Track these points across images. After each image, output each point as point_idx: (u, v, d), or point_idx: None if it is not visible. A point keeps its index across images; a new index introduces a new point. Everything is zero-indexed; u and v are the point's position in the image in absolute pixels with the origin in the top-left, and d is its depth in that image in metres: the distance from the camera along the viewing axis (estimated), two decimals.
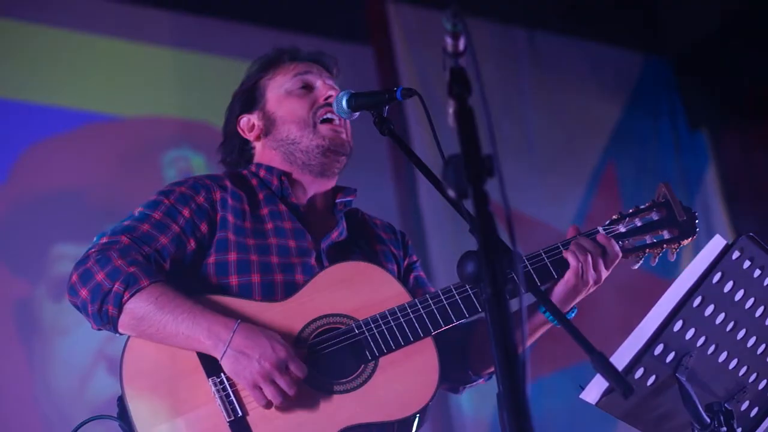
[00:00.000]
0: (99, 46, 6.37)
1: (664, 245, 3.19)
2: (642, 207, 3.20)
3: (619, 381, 2.54)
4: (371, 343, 3.02)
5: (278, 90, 3.43)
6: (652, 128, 8.32)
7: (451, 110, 2.02)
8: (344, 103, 3.24)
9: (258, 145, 3.46)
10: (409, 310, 3.06)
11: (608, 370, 2.54)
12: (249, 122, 3.45)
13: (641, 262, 3.22)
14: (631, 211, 3.21)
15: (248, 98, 3.47)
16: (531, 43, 8.09)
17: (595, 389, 2.75)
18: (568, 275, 3.10)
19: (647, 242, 3.18)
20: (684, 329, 2.84)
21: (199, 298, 3.04)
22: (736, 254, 2.87)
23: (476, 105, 2.02)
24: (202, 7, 6.74)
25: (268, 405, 2.93)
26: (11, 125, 5.94)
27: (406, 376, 3.01)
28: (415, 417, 3.00)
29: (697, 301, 2.83)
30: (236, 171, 3.43)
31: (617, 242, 3.15)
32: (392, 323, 3.04)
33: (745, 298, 2.92)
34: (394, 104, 3.19)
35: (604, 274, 3.13)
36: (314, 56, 3.53)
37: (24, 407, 5.57)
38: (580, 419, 6.98)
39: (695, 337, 2.87)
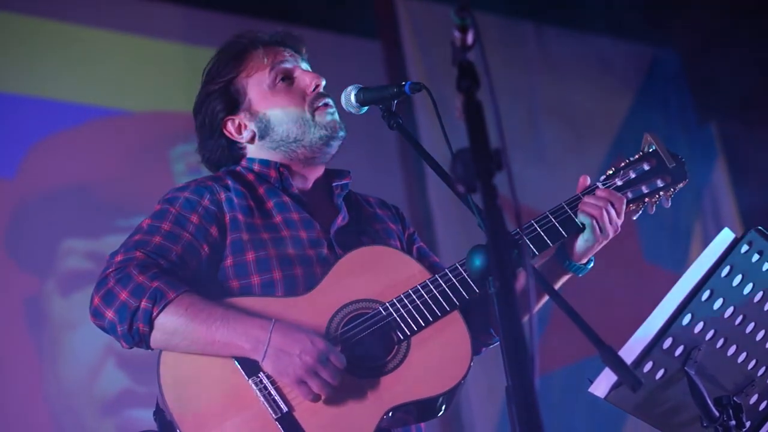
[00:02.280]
0: (109, 41, 6.38)
1: (660, 193, 3.24)
2: (632, 159, 3.27)
3: (628, 375, 2.55)
4: (401, 324, 3.04)
5: (260, 87, 3.35)
6: (661, 122, 8.31)
7: (459, 104, 2.02)
8: (353, 97, 3.23)
9: (252, 147, 3.38)
10: (431, 286, 3.08)
11: (617, 364, 2.55)
12: (235, 124, 3.36)
13: (640, 212, 3.28)
14: (623, 164, 3.27)
15: (228, 98, 3.36)
16: (539, 37, 8.09)
17: (604, 383, 2.75)
18: (587, 234, 3.17)
19: (644, 192, 3.24)
20: (693, 323, 2.84)
21: (225, 302, 3.03)
22: (744, 248, 2.87)
23: (484, 99, 2.02)
24: (211, 2, 6.75)
25: (316, 398, 2.94)
26: (20, 120, 5.95)
27: (440, 351, 3.04)
28: (460, 385, 3.03)
29: (705, 295, 2.83)
30: (231, 168, 3.37)
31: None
32: (418, 301, 3.06)
33: (753, 291, 2.92)
34: (403, 98, 3.19)
35: (620, 221, 3.20)
36: (280, 39, 3.45)
37: (33, 402, 5.59)
38: (589, 413, 6.99)
39: (704, 330, 2.87)
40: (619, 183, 3.23)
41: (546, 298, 3.25)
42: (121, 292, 2.95)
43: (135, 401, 5.58)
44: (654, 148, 3.26)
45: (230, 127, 3.37)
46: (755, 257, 2.89)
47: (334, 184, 3.40)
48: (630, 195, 3.22)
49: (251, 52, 3.40)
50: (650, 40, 8.50)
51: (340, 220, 3.30)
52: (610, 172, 3.26)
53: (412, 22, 7.44)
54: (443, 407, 3.08)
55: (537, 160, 7.65)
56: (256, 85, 3.36)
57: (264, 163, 3.34)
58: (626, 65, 8.43)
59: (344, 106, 3.27)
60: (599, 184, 3.24)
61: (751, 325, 2.95)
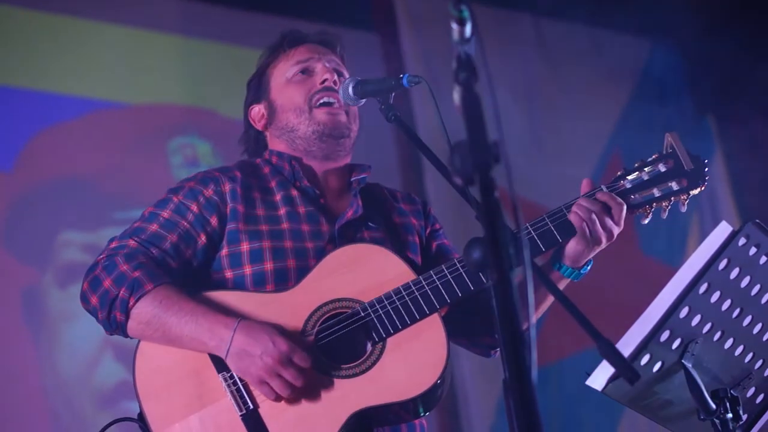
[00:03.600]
0: (106, 33, 6.37)
1: (673, 197, 3.14)
2: (648, 160, 3.16)
3: (625, 367, 2.54)
4: (377, 325, 3.02)
5: (281, 78, 3.44)
6: (659, 115, 8.31)
7: (457, 96, 2.02)
8: (350, 89, 3.24)
9: (268, 134, 3.47)
10: (413, 288, 3.05)
11: (614, 357, 2.55)
12: (258, 112, 3.47)
13: (650, 216, 3.17)
14: (636, 165, 3.17)
15: (257, 88, 3.49)
16: (537, 29, 8.08)
17: (601, 375, 2.75)
18: (577, 238, 3.10)
19: (655, 195, 3.14)
20: (690, 316, 2.84)
21: (203, 297, 3.06)
22: (742, 241, 2.86)
23: (482, 91, 2.02)
24: None
25: (278, 398, 2.95)
26: (18, 113, 5.94)
27: (414, 355, 3.01)
28: (433, 390, 2.99)
29: (703, 288, 2.83)
30: (249, 160, 3.45)
31: (624, 198, 3.13)
32: (397, 303, 3.04)
33: (751, 284, 2.91)
34: (401, 91, 3.19)
35: (616, 229, 3.12)
36: (317, 37, 3.52)
37: (31, 394, 5.59)
38: (586, 405, 6.99)
39: (701, 323, 2.87)
40: (628, 186, 3.15)
41: (550, 300, 3.24)
42: (105, 280, 3.03)
43: (132, 393, 5.56)
44: (673, 149, 3.15)
45: (253, 115, 3.49)
46: (752, 250, 2.89)
47: (352, 178, 3.40)
48: (638, 199, 3.14)
49: (284, 46, 3.49)
50: (648, 33, 8.49)
51: (350, 214, 3.30)
52: (619, 173, 3.17)
53: (409, 14, 7.43)
54: (416, 410, 3.05)
55: (535, 152, 7.64)
56: (279, 76, 3.45)
57: (280, 155, 3.39)
58: (624, 57, 8.42)
59: (342, 98, 3.28)
60: (603, 187, 3.15)
61: (749, 318, 2.95)
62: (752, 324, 2.97)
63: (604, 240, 3.11)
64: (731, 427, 2.87)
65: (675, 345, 2.84)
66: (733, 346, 2.96)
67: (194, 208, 3.19)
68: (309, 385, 2.95)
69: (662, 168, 3.14)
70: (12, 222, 5.73)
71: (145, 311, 2.99)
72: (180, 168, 6.16)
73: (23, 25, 6.09)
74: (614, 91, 8.27)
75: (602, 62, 8.25)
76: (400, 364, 3.00)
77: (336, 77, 3.40)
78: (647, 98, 8.35)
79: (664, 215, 3.19)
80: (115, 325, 3.04)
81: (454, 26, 2.08)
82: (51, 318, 5.73)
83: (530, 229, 3.10)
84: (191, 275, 3.13)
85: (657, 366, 2.83)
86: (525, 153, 7.51)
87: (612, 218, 3.10)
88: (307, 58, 3.43)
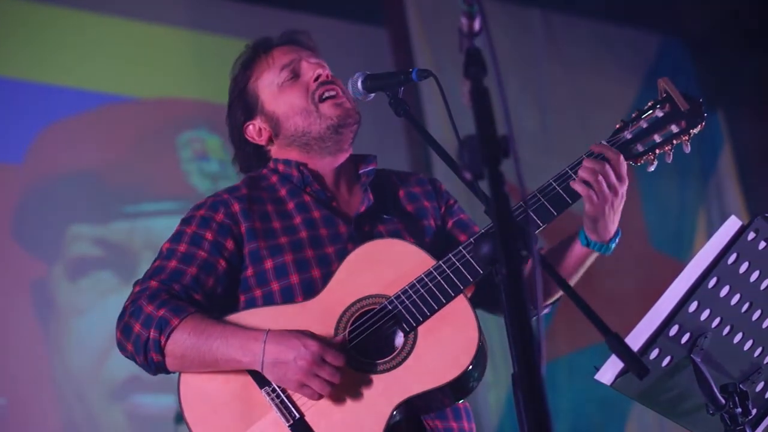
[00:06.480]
0: (116, 27, 6.39)
1: (675, 140, 3.11)
2: (644, 108, 3.15)
3: (635, 362, 2.55)
4: (406, 315, 3.03)
5: (271, 88, 3.38)
6: None
7: (466, 91, 2.02)
8: (359, 84, 3.23)
9: (273, 148, 3.42)
10: (435, 273, 3.06)
11: (623, 351, 2.55)
12: (255, 128, 3.40)
13: (656, 163, 3.13)
14: (633, 115, 3.15)
15: (245, 105, 3.42)
16: (547, 24, 8.08)
17: (610, 370, 2.76)
18: (586, 204, 3.05)
19: (657, 141, 3.10)
20: (699, 310, 2.84)
21: (231, 318, 3.09)
22: (751, 235, 2.86)
23: (492, 85, 2.02)
24: None
25: (320, 398, 2.98)
26: (28, 106, 5.96)
27: (447, 339, 3.02)
28: (469, 372, 3.01)
29: (712, 282, 2.83)
30: (254, 173, 3.40)
31: (626, 149, 3.09)
32: (422, 290, 3.04)
33: (760, 278, 2.91)
34: (410, 85, 3.19)
35: (620, 185, 3.05)
36: (288, 38, 3.47)
37: (41, 386, 5.61)
38: (595, 400, 7.00)
39: (710, 318, 2.87)
40: (628, 136, 3.12)
41: (589, 262, 3.21)
42: (135, 325, 3.06)
43: (142, 387, 5.59)
44: (667, 93, 3.13)
45: (251, 132, 3.42)
46: (762, 244, 2.89)
47: (360, 171, 3.40)
48: (641, 147, 3.11)
49: (258, 56, 3.44)
50: (657, 27, 8.49)
51: (363, 208, 3.30)
52: (618, 126, 3.14)
53: (419, 9, 7.43)
54: (454, 394, 3.06)
55: (544, 146, 7.64)
56: (266, 87, 3.39)
57: (286, 163, 3.36)
58: (633, 52, 8.42)
59: (351, 93, 3.27)
60: (604, 142, 3.13)
61: (758, 313, 2.95)
62: (761, 318, 2.97)
63: (610, 198, 3.04)
64: (740, 422, 2.87)
65: (684, 339, 2.84)
66: (743, 341, 2.96)
67: (209, 236, 3.19)
68: (350, 385, 2.98)
69: (659, 113, 3.13)
70: (22, 214, 5.75)
71: (177, 346, 3.03)
72: (189, 162, 6.18)
73: (34, 19, 6.11)
74: (623, 85, 8.27)
75: (611, 56, 8.25)
76: (433, 350, 3.01)
77: (328, 71, 3.38)
78: (656, 93, 8.33)
79: (669, 159, 3.14)
80: (155, 366, 3.07)
81: (464, 20, 2.08)
82: (60, 310, 5.75)
83: (539, 195, 3.06)
84: (219, 301, 3.16)
85: (666, 360, 2.84)
86: (534, 147, 7.51)
87: (615, 172, 3.05)
88: (291, 61, 3.38)
